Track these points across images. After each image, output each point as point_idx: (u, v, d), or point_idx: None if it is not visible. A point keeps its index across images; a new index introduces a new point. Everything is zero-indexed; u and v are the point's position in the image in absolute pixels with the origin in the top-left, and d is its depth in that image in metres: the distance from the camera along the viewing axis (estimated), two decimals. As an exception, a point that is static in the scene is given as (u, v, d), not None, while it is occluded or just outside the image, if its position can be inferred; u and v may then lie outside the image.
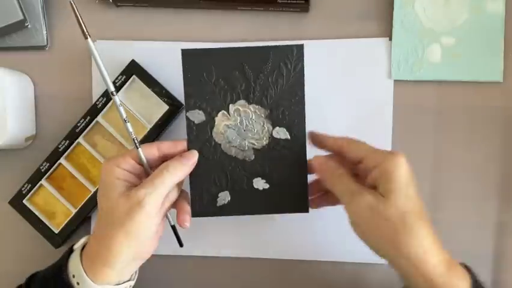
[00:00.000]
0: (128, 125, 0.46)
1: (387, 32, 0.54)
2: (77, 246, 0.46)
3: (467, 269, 0.42)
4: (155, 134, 0.54)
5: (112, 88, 0.45)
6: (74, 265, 0.44)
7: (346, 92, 0.54)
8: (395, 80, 0.54)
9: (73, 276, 0.44)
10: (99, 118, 0.55)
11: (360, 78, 0.54)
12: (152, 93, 0.54)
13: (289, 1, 0.52)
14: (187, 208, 0.48)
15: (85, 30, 0.43)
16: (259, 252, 0.56)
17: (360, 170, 0.44)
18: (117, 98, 0.45)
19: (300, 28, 0.55)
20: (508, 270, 0.54)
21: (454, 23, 0.53)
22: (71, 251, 0.46)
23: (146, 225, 0.43)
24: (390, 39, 0.54)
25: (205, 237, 0.56)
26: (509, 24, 0.53)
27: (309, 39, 0.54)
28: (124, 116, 0.46)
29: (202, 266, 0.56)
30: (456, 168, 0.54)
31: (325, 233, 0.54)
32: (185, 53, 0.46)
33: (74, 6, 0.43)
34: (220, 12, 0.55)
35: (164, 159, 0.46)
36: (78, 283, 0.43)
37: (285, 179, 0.48)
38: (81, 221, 0.55)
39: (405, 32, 0.54)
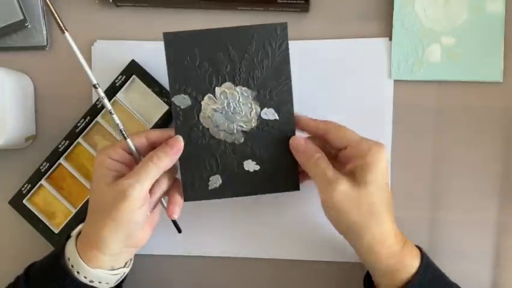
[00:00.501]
0: (114, 116, 0.46)
1: (387, 32, 0.54)
2: (74, 232, 0.48)
3: (421, 251, 0.46)
4: (155, 134, 0.54)
5: (94, 81, 0.45)
6: (70, 249, 0.46)
7: (346, 92, 0.54)
8: (395, 80, 0.54)
9: (68, 259, 0.45)
10: (99, 118, 0.55)
11: (360, 78, 0.54)
12: (152, 93, 0.54)
13: (289, 1, 0.52)
14: (179, 199, 0.48)
15: (62, 25, 0.43)
16: (259, 252, 0.56)
17: (341, 155, 0.46)
18: (100, 90, 0.46)
19: (300, 28, 0.55)
20: (508, 270, 0.54)
21: (453, 23, 0.53)
22: (68, 237, 0.48)
23: (131, 214, 0.44)
24: (390, 39, 0.54)
25: (205, 237, 0.56)
26: (509, 24, 0.53)
27: (309, 39, 0.54)
28: (109, 107, 0.46)
29: (202, 266, 0.56)
30: (456, 168, 0.54)
31: (325, 233, 0.54)
32: (167, 36, 0.46)
33: (48, 2, 0.43)
34: (220, 12, 0.55)
35: (154, 146, 0.47)
36: (72, 266, 0.45)
37: (275, 159, 0.48)
38: (81, 221, 0.55)
39: (405, 32, 0.54)
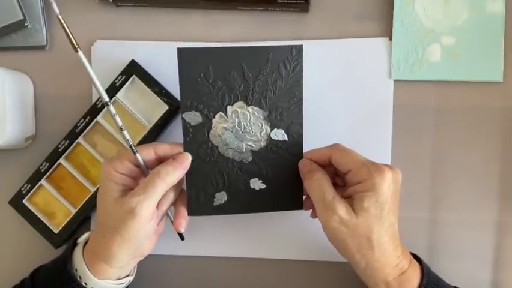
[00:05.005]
0: (125, 132, 0.45)
1: (387, 32, 0.54)
2: (80, 240, 0.48)
3: (422, 269, 0.45)
4: (155, 134, 0.54)
5: (106, 98, 0.45)
6: (77, 259, 0.46)
7: (346, 92, 0.54)
8: (395, 80, 0.54)
9: (75, 270, 0.45)
10: (99, 118, 0.55)
11: (360, 78, 0.54)
12: (152, 93, 0.54)
13: (289, 1, 0.52)
14: (184, 212, 0.48)
15: (75, 44, 0.43)
16: (260, 252, 0.56)
17: (345, 179, 0.45)
18: (112, 108, 0.45)
19: (300, 28, 0.55)
20: (508, 270, 0.54)
21: (454, 23, 0.53)
22: (74, 244, 0.48)
23: (140, 231, 0.43)
24: (390, 39, 0.54)
25: (205, 237, 0.56)
26: (509, 24, 0.53)
27: (309, 39, 0.54)
28: (120, 124, 0.45)
29: (202, 266, 0.56)
30: (456, 168, 0.54)
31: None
32: (181, 51, 0.45)
33: (62, 20, 0.42)
34: (220, 12, 0.55)
35: (162, 160, 0.46)
36: (80, 277, 0.45)
37: (281, 179, 0.48)
38: (81, 221, 0.55)
39: (405, 32, 0.54)
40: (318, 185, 0.45)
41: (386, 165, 0.44)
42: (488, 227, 0.54)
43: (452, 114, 0.54)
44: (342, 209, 0.43)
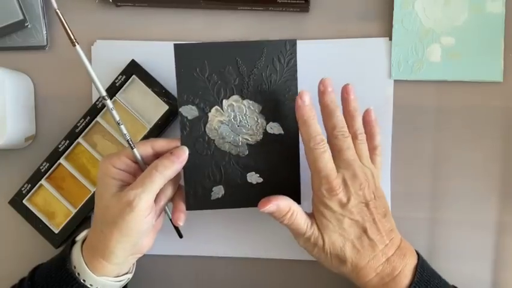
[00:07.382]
0: (122, 127, 0.46)
1: (387, 32, 0.54)
2: (79, 238, 0.48)
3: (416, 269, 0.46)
4: (155, 134, 0.54)
5: (103, 93, 0.45)
6: (76, 257, 0.46)
7: (346, 92, 0.54)
8: (395, 80, 0.54)
9: (74, 267, 0.45)
10: (99, 118, 0.55)
11: (360, 78, 0.54)
12: (152, 93, 0.54)
13: (289, 1, 0.52)
14: (182, 206, 0.48)
15: (73, 38, 0.43)
16: (259, 252, 0.56)
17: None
18: (109, 102, 0.45)
19: (300, 28, 0.55)
20: (508, 270, 0.54)
21: (453, 23, 0.53)
22: (73, 242, 0.48)
23: (138, 224, 0.44)
24: (390, 39, 0.54)
25: (204, 237, 0.56)
26: (509, 24, 0.53)
27: (309, 39, 0.54)
28: (117, 118, 0.46)
29: (202, 266, 0.56)
30: (456, 168, 0.54)
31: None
32: (178, 47, 0.46)
33: (59, 14, 0.42)
34: (220, 12, 0.55)
35: (159, 155, 0.46)
36: (79, 274, 0.45)
37: (278, 172, 0.48)
38: (81, 221, 0.55)
39: (405, 32, 0.54)
40: (292, 219, 0.46)
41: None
42: (488, 227, 0.54)
43: (452, 114, 0.54)
44: (306, 237, 0.46)
